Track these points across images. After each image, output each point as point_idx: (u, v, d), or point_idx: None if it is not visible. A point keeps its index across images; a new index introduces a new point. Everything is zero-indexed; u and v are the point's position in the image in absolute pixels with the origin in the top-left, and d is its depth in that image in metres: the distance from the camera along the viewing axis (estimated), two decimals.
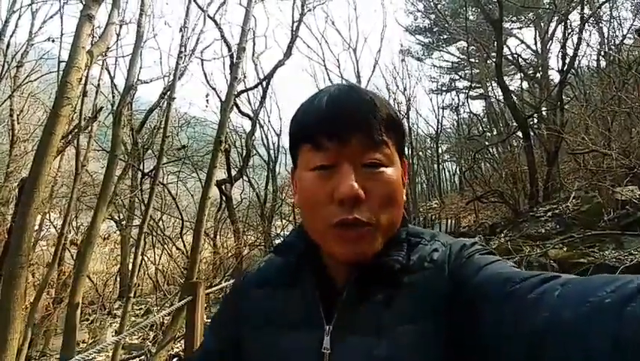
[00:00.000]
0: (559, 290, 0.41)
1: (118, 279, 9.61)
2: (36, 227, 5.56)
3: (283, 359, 0.58)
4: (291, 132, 0.62)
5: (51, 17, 7.87)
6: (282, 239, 0.72)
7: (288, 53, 9.67)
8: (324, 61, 17.45)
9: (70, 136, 5.23)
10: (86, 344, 6.17)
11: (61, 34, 5.60)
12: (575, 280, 0.42)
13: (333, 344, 0.55)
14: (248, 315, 0.65)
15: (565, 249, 5.74)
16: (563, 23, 9.93)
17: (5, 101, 7.25)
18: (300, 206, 0.61)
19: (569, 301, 0.39)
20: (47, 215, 7.43)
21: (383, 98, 0.61)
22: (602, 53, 10.44)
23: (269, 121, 13.75)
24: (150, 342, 5.47)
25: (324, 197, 0.55)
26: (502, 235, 8.07)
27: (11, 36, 7.51)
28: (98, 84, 5.96)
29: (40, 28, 7.76)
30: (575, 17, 9.66)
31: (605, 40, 10.75)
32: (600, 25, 10.72)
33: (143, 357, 5.04)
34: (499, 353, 0.44)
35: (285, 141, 14.08)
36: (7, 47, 7.43)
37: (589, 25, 9.95)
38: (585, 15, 8.95)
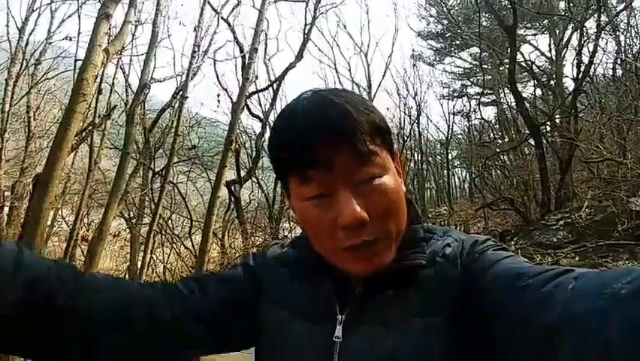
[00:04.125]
0: (573, 284, 0.41)
1: (127, 276, 9.69)
2: (49, 222, 5.65)
3: (295, 346, 0.59)
4: (273, 160, 0.59)
5: (69, 16, 8.00)
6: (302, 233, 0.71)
7: (299, 56, 9.72)
8: (335, 64, 17.47)
9: (84, 133, 5.32)
10: None
11: (79, 34, 5.74)
12: (589, 273, 0.42)
13: (345, 333, 0.56)
14: (270, 292, 0.66)
15: (577, 258, 5.66)
16: (578, 31, 9.83)
17: (23, 97, 7.38)
18: (304, 229, 0.60)
19: (584, 294, 0.38)
20: (60, 211, 7.53)
21: (360, 100, 0.57)
22: (619, 61, 10.30)
23: None
24: None
25: (328, 224, 0.54)
26: (513, 242, 7.97)
27: (30, 34, 7.66)
28: (113, 83, 6.07)
29: (59, 27, 7.90)
30: (591, 25, 9.56)
31: (622, 49, 10.61)
32: (617, 33, 10.58)
33: None
34: (514, 347, 0.44)
35: None
36: (27, 44, 7.57)
37: (605, 33, 9.83)
38: (602, 23, 8.84)
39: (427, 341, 0.51)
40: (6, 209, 6.52)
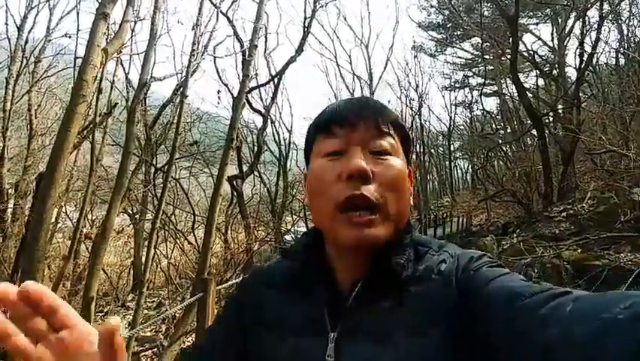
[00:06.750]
0: (571, 306, 0.40)
1: (131, 272, 9.77)
2: (52, 220, 5.69)
3: None
4: (308, 134, 0.66)
5: (68, 13, 8.00)
6: (292, 241, 0.73)
7: (299, 50, 9.67)
8: (335, 57, 17.41)
9: (85, 131, 5.32)
10: None
11: (78, 30, 5.68)
12: (587, 296, 0.42)
13: (338, 351, 0.55)
14: (256, 313, 0.65)
15: (579, 250, 5.65)
16: (581, 20, 9.74)
17: (24, 95, 7.38)
18: (309, 195, 0.62)
19: (582, 316, 0.38)
20: (64, 208, 7.58)
21: (395, 112, 0.67)
22: (621, 50, 10.21)
23: (280, 117, 13.74)
24: (162, 335, 5.55)
25: (333, 177, 0.58)
26: (515, 234, 7.97)
27: (29, 32, 7.65)
28: (113, 80, 6.03)
29: (58, 24, 7.89)
30: (593, 14, 9.47)
31: (625, 38, 10.51)
32: (619, 22, 10.47)
33: (155, 350, 5.13)
34: None
35: (296, 138, 14.11)
36: (26, 42, 7.56)
37: (608, 22, 9.72)
38: (604, 11, 8.74)
39: (423, 359, 0.51)
40: (10, 207, 6.56)
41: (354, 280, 0.58)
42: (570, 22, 13.13)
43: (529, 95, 11.82)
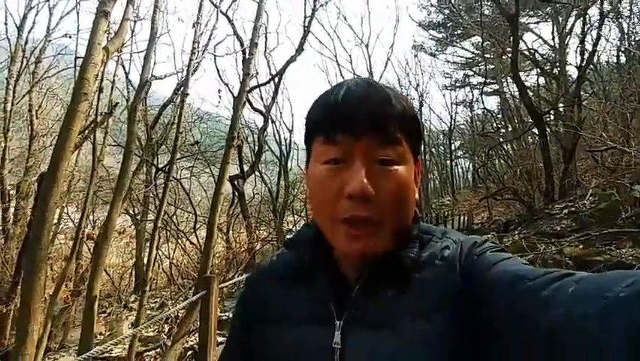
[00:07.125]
0: (573, 287, 0.40)
1: (133, 272, 9.78)
2: (54, 221, 5.69)
3: (295, 353, 0.58)
4: (307, 125, 0.62)
5: (68, 13, 7.99)
6: (294, 233, 0.72)
7: (299, 49, 9.68)
8: (336, 56, 17.38)
9: (86, 131, 5.32)
10: (103, 337, 6.29)
11: (78, 30, 5.69)
12: (589, 277, 0.42)
13: (344, 339, 0.55)
14: (259, 310, 0.65)
15: (581, 247, 5.65)
16: (581, 18, 9.71)
17: (24, 96, 7.39)
18: (310, 199, 0.61)
19: (584, 297, 0.38)
20: (65, 209, 7.58)
21: (401, 94, 0.60)
22: (622, 48, 10.20)
23: (281, 117, 13.69)
24: (166, 335, 5.56)
25: (335, 191, 0.55)
26: (517, 232, 7.96)
27: (29, 32, 7.65)
28: (114, 80, 6.04)
29: (57, 24, 7.88)
30: (594, 12, 9.45)
31: (625, 36, 10.50)
32: (620, 20, 10.47)
33: (159, 350, 5.14)
34: (514, 349, 0.44)
35: (297, 137, 14.13)
36: (26, 42, 7.56)
37: (608, 21, 9.71)
38: (605, 10, 8.73)
39: (427, 345, 0.51)
40: (12, 208, 6.56)
41: (359, 270, 0.58)
42: (571, 20, 13.11)
43: (530, 93, 11.80)
